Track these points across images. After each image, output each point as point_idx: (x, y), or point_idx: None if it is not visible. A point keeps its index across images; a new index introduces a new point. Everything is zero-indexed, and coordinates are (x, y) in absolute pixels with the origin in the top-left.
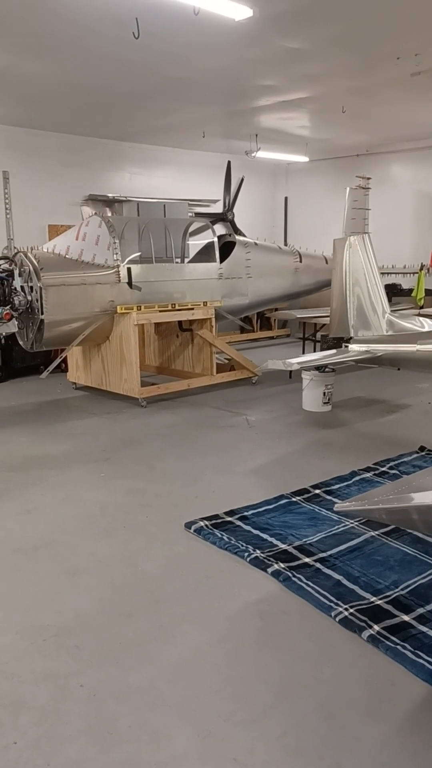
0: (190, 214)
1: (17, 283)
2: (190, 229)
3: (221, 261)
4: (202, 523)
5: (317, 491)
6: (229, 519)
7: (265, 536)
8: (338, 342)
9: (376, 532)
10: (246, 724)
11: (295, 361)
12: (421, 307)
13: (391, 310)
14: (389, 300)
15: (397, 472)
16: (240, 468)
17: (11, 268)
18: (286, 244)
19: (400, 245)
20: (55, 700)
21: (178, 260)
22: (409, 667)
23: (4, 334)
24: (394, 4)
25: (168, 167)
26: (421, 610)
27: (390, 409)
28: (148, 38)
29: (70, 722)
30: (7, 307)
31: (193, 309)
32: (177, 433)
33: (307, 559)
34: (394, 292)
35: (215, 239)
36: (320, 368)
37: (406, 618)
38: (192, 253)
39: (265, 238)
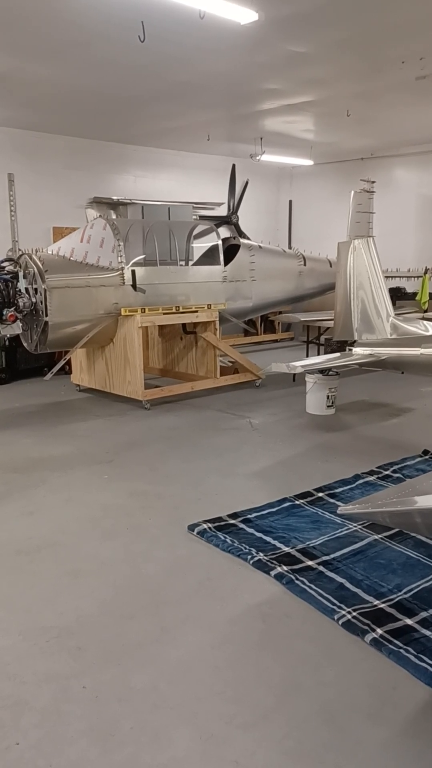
0: (194, 217)
1: (22, 285)
2: (195, 232)
3: (225, 264)
4: (204, 526)
5: (320, 494)
6: (232, 521)
7: (268, 539)
8: (342, 345)
9: (380, 536)
10: (247, 727)
11: (299, 364)
12: (426, 311)
13: (395, 314)
14: (393, 303)
15: (401, 476)
16: (243, 470)
17: (16, 270)
18: (290, 248)
19: (404, 249)
20: (57, 702)
21: (183, 263)
22: (411, 671)
23: (8, 335)
24: (399, 8)
25: (173, 170)
26: (424, 614)
27: (393, 413)
28: (153, 42)
29: (72, 723)
30: (12, 308)
31: (197, 312)
32: (180, 435)
33: (310, 562)
34: (398, 295)
35: (219, 242)
36: (324, 371)
37: (409, 621)
38: (196, 255)
39: (270, 241)
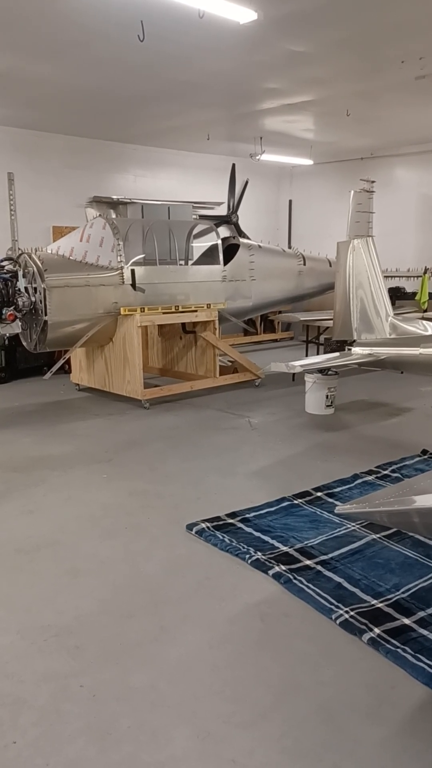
0: (194, 217)
1: (21, 284)
2: (194, 232)
3: (225, 263)
4: (203, 525)
5: (319, 494)
6: (231, 521)
7: (266, 538)
8: (341, 345)
9: (378, 535)
10: (245, 726)
11: (298, 364)
12: (425, 311)
13: (395, 314)
14: (392, 303)
15: (399, 476)
16: (242, 470)
17: (15, 269)
18: (290, 247)
19: (403, 248)
20: (55, 700)
21: (182, 262)
22: (409, 671)
23: (7, 335)
24: (399, 7)
25: (172, 169)
26: (421, 614)
27: (392, 413)
28: (153, 41)
29: (70, 722)
30: (11, 308)
31: (196, 311)
32: (179, 434)
33: (308, 562)
34: (397, 295)
35: (219, 241)
36: (323, 371)
37: (406, 621)
38: (196, 255)
39: (269, 240)
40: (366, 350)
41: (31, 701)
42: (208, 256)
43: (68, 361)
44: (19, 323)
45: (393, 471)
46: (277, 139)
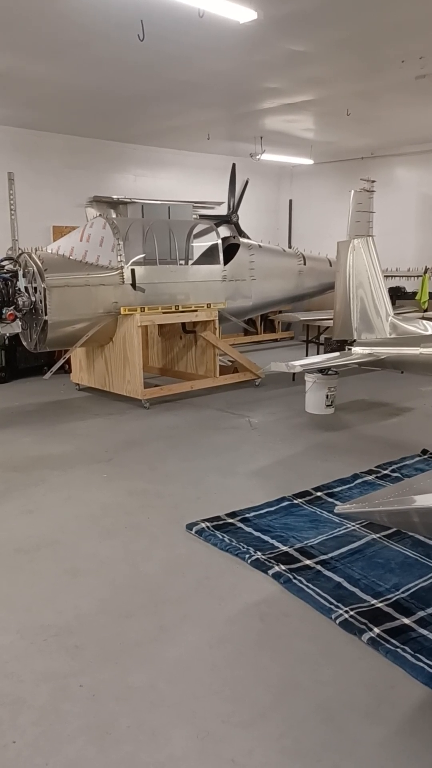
0: (194, 216)
1: (21, 283)
2: (194, 231)
3: (225, 263)
4: (203, 525)
5: (319, 493)
6: (231, 521)
7: (266, 538)
8: (341, 345)
9: (377, 535)
10: (245, 726)
11: (298, 364)
12: (425, 310)
13: (395, 313)
14: (393, 303)
15: (399, 475)
16: (242, 470)
17: (15, 268)
18: (290, 247)
19: (404, 248)
20: (55, 700)
21: (182, 262)
22: (408, 670)
23: (8, 334)
24: (399, 7)
25: (173, 169)
26: (421, 614)
27: (392, 412)
28: (153, 41)
29: (69, 722)
30: (11, 307)
31: (196, 311)
32: (179, 434)
33: (307, 562)
34: (397, 295)
35: (219, 241)
36: (323, 371)
37: (406, 621)
38: (196, 255)
39: (269, 240)
40: (366, 350)
41: (31, 701)
42: (208, 256)
43: (68, 361)
44: (19, 323)
45: (393, 471)
46: (277, 138)
